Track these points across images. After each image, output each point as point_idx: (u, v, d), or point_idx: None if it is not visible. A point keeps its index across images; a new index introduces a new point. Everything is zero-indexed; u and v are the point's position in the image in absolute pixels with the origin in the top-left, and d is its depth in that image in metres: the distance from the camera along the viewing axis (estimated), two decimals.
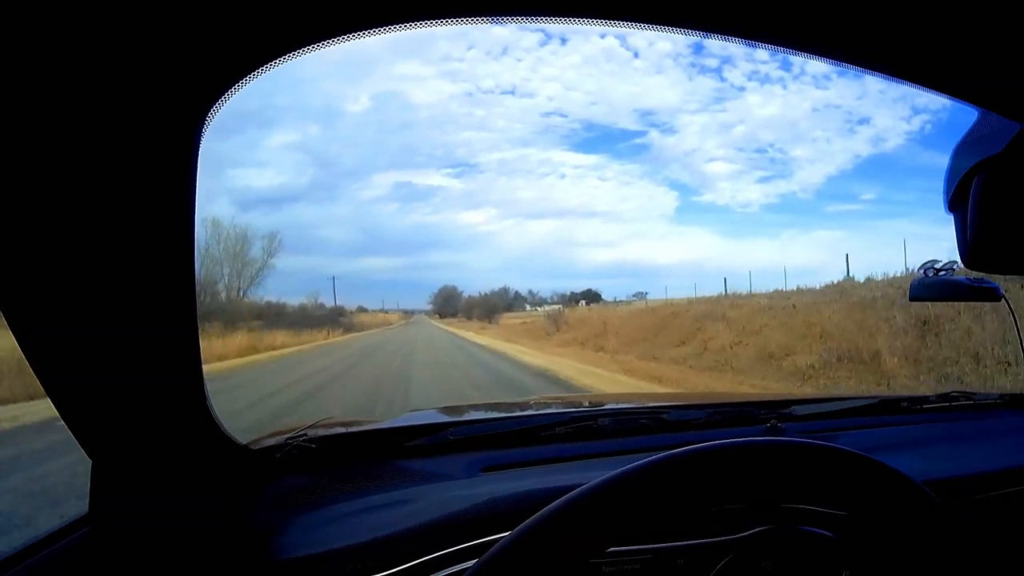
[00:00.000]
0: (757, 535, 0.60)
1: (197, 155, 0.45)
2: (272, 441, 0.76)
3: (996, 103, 0.44)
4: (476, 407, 1.21)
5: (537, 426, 0.86)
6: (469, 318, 28.21)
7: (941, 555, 0.43)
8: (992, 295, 0.90)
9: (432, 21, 0.39)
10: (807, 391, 6.11)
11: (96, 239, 0.46)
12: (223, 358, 10.94)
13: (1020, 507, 0.71)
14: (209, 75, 0.42)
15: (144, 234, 0.47)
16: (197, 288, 0.52)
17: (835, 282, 9.82)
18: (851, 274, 9.68)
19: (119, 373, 0.51)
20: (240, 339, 13.75)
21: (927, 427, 0.94)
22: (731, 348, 9.11)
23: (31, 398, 5.08)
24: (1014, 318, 1.00)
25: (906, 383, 5.72)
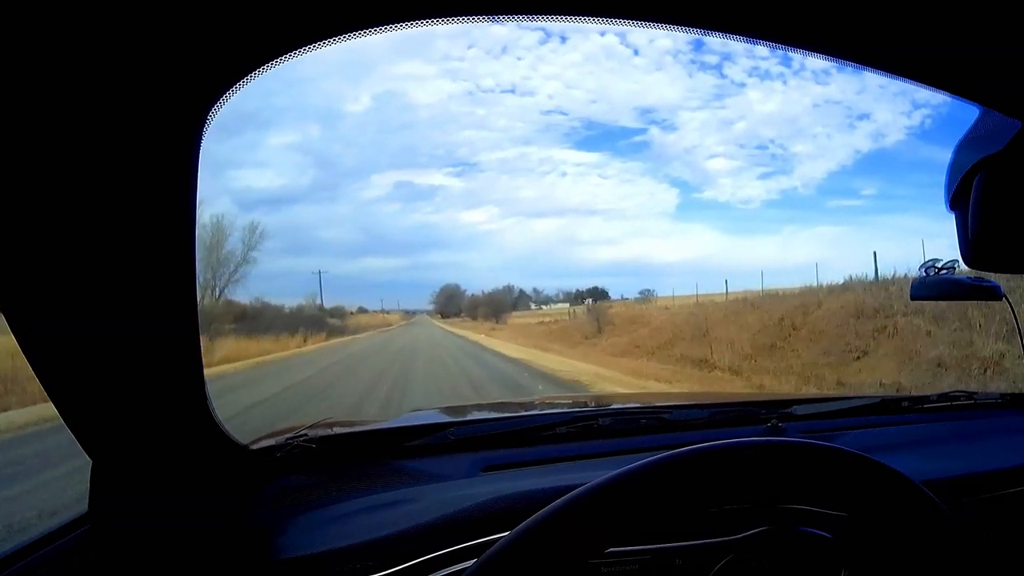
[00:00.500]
0: (755, 535, 0.60)
1: (198, 155, 0.45)
2: (272, 441, 0.76)
3: (997, 101, 0.44)
4: (476, 407, 1.22)
5: (538, 426, 0.86)
6: (473, 318, 27.72)
7: (941, 556, 0.43)
8: (993, 294, 0.90)
9: (432, 20, 0.39)
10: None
11: (97, 240, 0.46)
12: None
13: (1021, 507, 0.71)
14: (210, 75, 0.42)
15: (145, 234, 0.47)
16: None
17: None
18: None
19: (119, 373, 0.51)
20: None
21: (928, 427, 0.94)
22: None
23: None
24: (1015, 317, 1.00)
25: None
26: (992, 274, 0.89)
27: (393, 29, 0.40)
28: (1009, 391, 1.07)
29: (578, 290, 24.29)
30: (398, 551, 0.57)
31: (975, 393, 1.02)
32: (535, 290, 28.50)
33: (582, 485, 0.40)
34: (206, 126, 0.44)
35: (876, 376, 6.21)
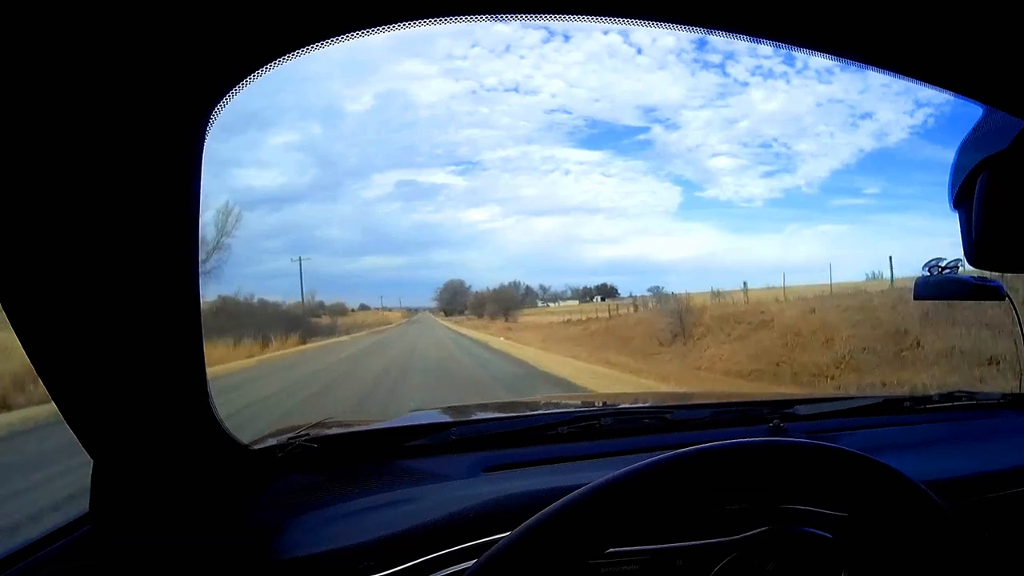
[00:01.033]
0: (756, 536, 0.60)
1: (201, 155, 0.45)
2: (273, 441, 0.76)
3: (1001, 100, 0.43)
4: (478, 407, 1.21)
5: (539, 426, 0.85)
6: (479, 316, 26.63)
7: (942, 556, 0.43)
8: (996, 294, 0.90)
9: (434, 19, 0.39)
10: None
11: (100, 239, 0.46)
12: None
13: (1022, 507, 0.71)
14: (212, 75, 0.42)
15: (148, 234, 0.47)
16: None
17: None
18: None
19: (121, 373, 0.51)
20: None
21: (930, 427, 0.93)
22: None
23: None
24: (1017, 317, 1.00)
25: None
26: (996, 273, 0.88)
27: (395, 28, 0.40)
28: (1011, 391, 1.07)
29: (586, 287, 24.14)
30: (399, 551, 0.57)
31: (977, 393, 1.01)
32: (542, 287, 28.31)
33: (584, 485, 0.40)
34: (210, 125, 0.45)
35: None
